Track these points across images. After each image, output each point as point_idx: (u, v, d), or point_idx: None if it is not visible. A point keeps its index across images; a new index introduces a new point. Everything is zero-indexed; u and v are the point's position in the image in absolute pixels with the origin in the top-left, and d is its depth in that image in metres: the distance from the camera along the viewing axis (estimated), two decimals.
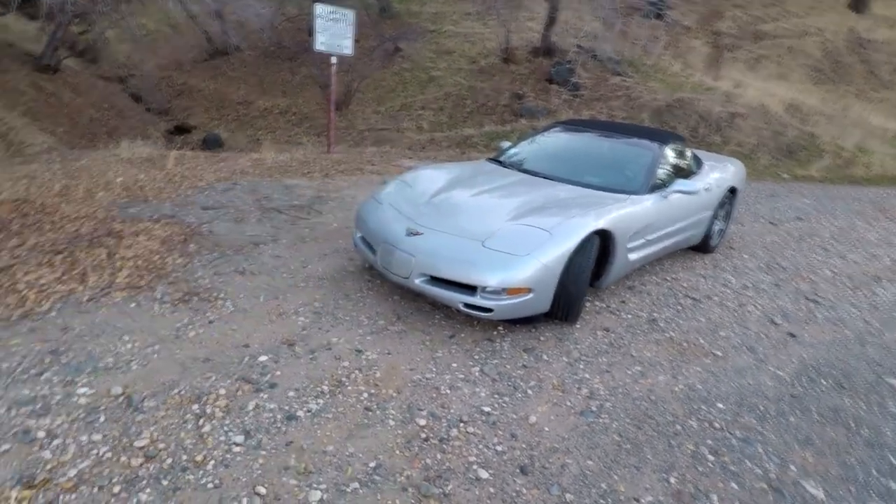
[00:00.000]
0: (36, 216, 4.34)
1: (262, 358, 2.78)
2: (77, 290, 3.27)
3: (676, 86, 12.57)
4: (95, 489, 1.92)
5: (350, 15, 7.36)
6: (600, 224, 3.26)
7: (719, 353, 3.27)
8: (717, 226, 5.00)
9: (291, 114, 13.32)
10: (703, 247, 4.92)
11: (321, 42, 7.15)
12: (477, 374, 2.81)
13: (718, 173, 4.93)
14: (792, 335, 3.62)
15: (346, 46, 7.42)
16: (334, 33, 7.22)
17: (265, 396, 2.49)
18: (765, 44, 15.89)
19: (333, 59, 7.46)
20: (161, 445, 2.15)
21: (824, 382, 3.07)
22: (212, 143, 11.57)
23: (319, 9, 7.08)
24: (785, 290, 4.40)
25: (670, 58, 14.28)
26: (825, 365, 3.27)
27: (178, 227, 4.37)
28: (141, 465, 2.05)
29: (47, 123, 10.29)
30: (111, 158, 6.59)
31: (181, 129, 13.17)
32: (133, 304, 3.18)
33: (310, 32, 15.49)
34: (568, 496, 2.07)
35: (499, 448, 2.29)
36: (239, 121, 13.57)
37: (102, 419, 2.27)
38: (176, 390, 2.48)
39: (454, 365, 2.87)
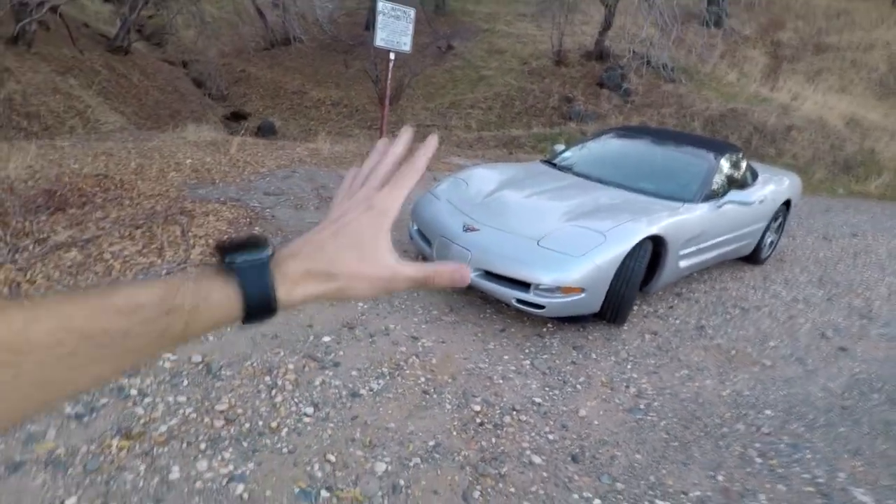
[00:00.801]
0: (116, 191, 4.66)
1: (326, 338, 2.96)
2: (156, 262, 3.53)
3: (731, 95, 12.31)
4: (185, 444, 2.13)
5: (411, 13, 7.52)
6: (653, 230, 3.32)
7: (768, 363, 3.29)
8: (770, 238, 4.96)
9: (343, 106, 13.64)
10: (753, 258, 4.89)
11: (381, 38, 7.33)
12: (528, 366, 2.93)
13: (774, 186, 4.89)
14: (843, 349, 3.59)
15: (405, 43, 7.59)
16: (394, 30, 7.39)
17: (330, 374, 2.67)
18: (827, 56, 15.36)
19: (392, 56, 7.64)
20: (239, 411, 2.35)
21: (876, 396, 3.06)
22: (266, 131, 11.97)
23: (382, 5, 7.26)
24: (837, 304, 4.35)
25: (726, 67, 13.97)
26: (877, 380, 3.25)
27: (244, 210, 4.62)
28: (223, 426, 2.25)
29: (118, 103, 10.86)
30: (179, 141, 6.96)
31: (237, 116, 13.66)
32: None
33: (366, 27, 15.84)
34: (618, 485, 2.16)
35: (550, 437, 2.41)
36: (293, 110, 13.97)
37: (186, 383, 2.48)
38: (249, 362, 2.68)
39: (506, 357, 2.99)
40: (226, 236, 4.08)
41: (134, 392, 2.37)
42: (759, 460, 2.43)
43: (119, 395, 2.34)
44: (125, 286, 0.43)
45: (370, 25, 14.25)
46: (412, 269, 0.53)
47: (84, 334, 0.38)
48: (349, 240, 0.51)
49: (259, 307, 0.46)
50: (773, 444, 2.56)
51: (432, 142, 0.56)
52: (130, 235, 3.84)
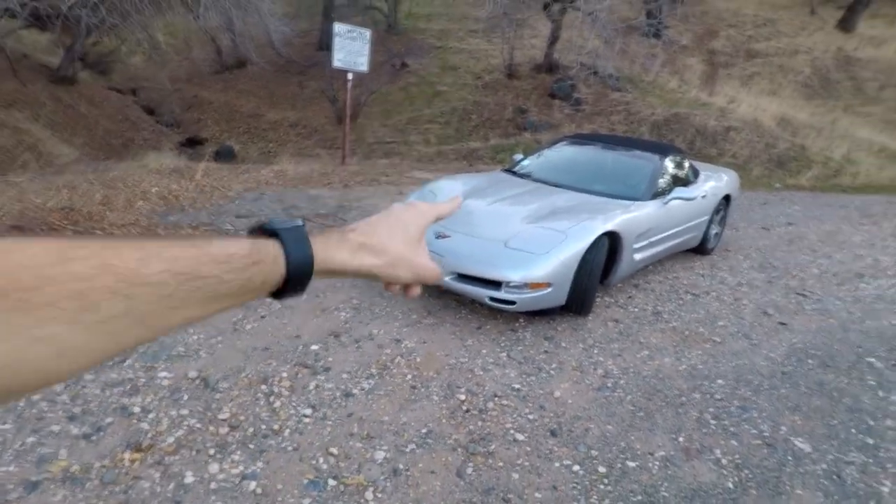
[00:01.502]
0: (85, 223, 4.70)
1: (314, 347, 3.14)
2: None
3: (674, 101, 13.06)
4: (194, 452, 2.27)
5: (367, 34, 7.80)
6: (609, 226, 3.65)
7: (718, 340, 3.65)
8: (714, 230, 5.40)
9: (301, 126, 13.75)
10: (701, 249, 5.32)
11: (339, 59, 7.57)
12: (505, 358, 3.18)
13: (714, 182, 5.34)
14: (783, 324, 4.00)
15: (362, 63, 7.85)
16: (351, 51, 7.64)
17: (322, 378, 2.85)
18: (757, 61, 16.45)
19: (350, 76, 7.88)
20: (242, 418, 2.50)
21: (811, 362, 3.44)
22: (225, 155, 11.96)
23: (338, 27, 7.52)
24: (776, 286, 4.79)
25: (668, 75, 14.80)
26: (812, 348, 3.64)
27: (218, 233, 4.73)
28: (228, 433, 2.40)
29: (68, 135, 10.67)
30: (141, 169, 6.96)
31: (193, 142, 13.57)
32: None
33: (320, 47, 16.03)
34: (593, 452, 2.43)
35: (531, 416, 2.65)
36: (250, 133, 13.98)
37: (186, 397, 2.62)
38: (244, 373, 2.84)
39: (484, 351, 3.24)
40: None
41: (137, 409, 2.49)
42: (713, 422, 2.74)
43: (123, 414, 2.46)
44: (219, 238, 0.47)
45: (324, 46, 14.48)
46: (435, 266, 0.65)
47: (185, 277, 0.41)
48: (398, 226, 0.62)
49: (299, 268, 0.51)
50: (725, 407, 2.88)
51: (458, 199, 0.75)
52: None
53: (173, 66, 16.57)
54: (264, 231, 0.52)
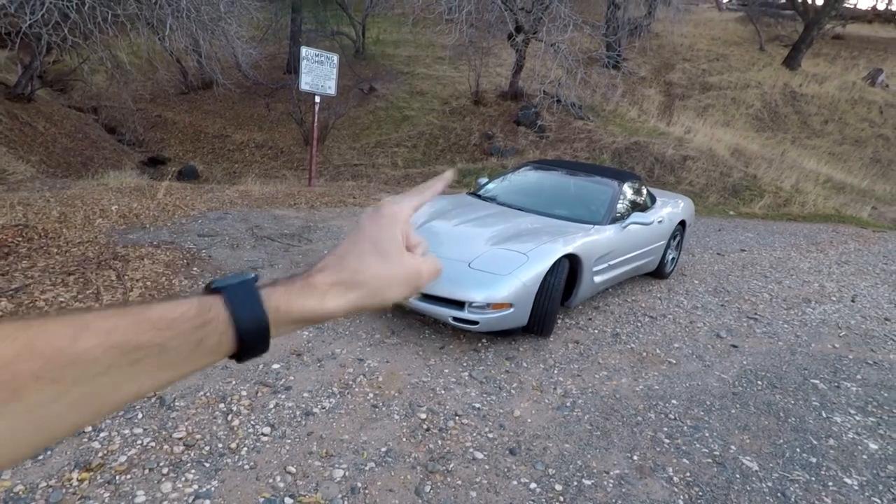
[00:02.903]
0: (41, 241, 4.56)
1: (275, 366, 3.11)
2: (94, 307, 3.52)
3: (633, 130, 13.56)
4: (147, 470, 2.22)
5: (334, 58, 7.89)
6: (569, 249, 3.76)
7: (673, 361, 3.77)
8: (671, 254, 5.60)
9: (267, 148, 13.68)
10: (658, 273, 5.50)
11: (306, 82, 7.62)
12: (466, 377, 3.21)
13: (670, 208, 5.56)
14: (734, 346, 4.16)
15: (330, 87, 7.92)
16: (319, 74, 7.71)
17: (283, 397, 2.82)
18: (711, 94, 17.30)
19: (317, 99, 7.93)
20: (198, 436, 2.45)
21: (760, 383, 3.59)
22: (188, 175, 11.78)
23: (305, 51, 7.59)
24: (729, 309, 4.98)
25: (627, 104, 15.38)
26: (761, 369, 3.80)
27: (179, 251, 4.66)
28: (183, 451, 2.35)
29: (24, 152, 10.35)
30: (100, 188, 6.81)
31: (155, 161, 13.33)
32: None
33: (287, 70, 16.08)
34: (550, 470, 2.47)
35: (490, 435, 2.68)
36: (215, 154, 13.82)
37: (140, 416, 2.56)
38: (202, 392, 2.79)
39: (446, 371, 3.26)
40: (163, 278, 4.13)
41: (88, 428, 2.42)
42: (667, 441, 2.82)
43: (72, 433, 2.38)
44: (160, 302, 0.43)
45: (292, 69, 14.54)
46: (431, 261, 0.57)
47: (123, 349, 0.38)
48: (368, 245, 0.53)
49: (251, 327, 0.45)
50: (679, 426, 2.97)
51: (448, 173, 0.63)
52: (63, 282, 3.80)
53: (137, 86, 16.33)
54: (213, 290, 0.46)
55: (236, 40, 10.83)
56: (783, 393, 3.50)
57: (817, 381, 3.73)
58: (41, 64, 12.51)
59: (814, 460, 2.81)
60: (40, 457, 2.23)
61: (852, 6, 26.07)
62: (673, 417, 3.05)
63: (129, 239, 4.83)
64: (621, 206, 4.73)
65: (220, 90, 14.76)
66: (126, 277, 4.01)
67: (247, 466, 2.30)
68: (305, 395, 2.85)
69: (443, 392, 3.02)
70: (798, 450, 2.89)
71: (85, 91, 15.86)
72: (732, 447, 2.83)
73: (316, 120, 8.21)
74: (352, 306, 0.52)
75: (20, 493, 2.03)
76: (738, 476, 2.61)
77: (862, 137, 16.37)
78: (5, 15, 9.76)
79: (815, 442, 2.99)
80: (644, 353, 3.85)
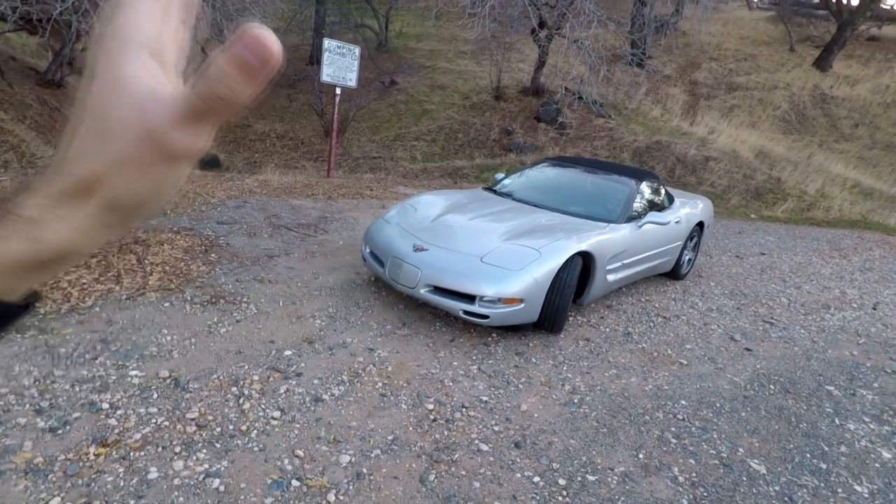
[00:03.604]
0: None
1: (287, 352, 3.16)
2: (115, 289, 3.63)
3: (656, 129, 13.39)
4: (160, 448, 2.29)
5: (356, 50, 7.93)
6: (582, 246, 3.75)
7: (684, 362, 3.74)
8: (687, 255, 5.55)
9: (288, 139, 13.81)
10: (674, 274, 5.45)
11: (327, 74, 7.67)
12: (475, 371, 3.23)
13: (688, 209, 5.50)
14: (748, 350, 4.11)
15: (351, 79, 7.96)
16: (340, 66, 7.76)
17: (293, 383, 2.88)
18: (737, 94, 16.97)
19: (338, 91, 7.99)
20: (210, 417, 2.52)
21: (773, 387, 3.55)
22: (210, 164, 11.95)
23: (328, 43, 7.64)
24: (745, 313, 4.92)
25: (650, 103, 15.19)
26: (775, 374, 3.75)
27: (198, 238, 4.75)
28: (195, 431, 2.42)
29: (53, 137, 10.59)
30: None
31: None
32: (167, 304, 3.55)
33: (310, 62, 16.18)
34: (555, 465, 2.48)
35: (496, 428, 2.70)
36: (236, 143, 13.99)
37: (155, 396, 2.63)
38: (215, 375, 2.85)
39: (455, 363, 3.29)
40: (182, 263, 4.22)
41: (106, 406, 2.50)
42: (674, 441, 2.82)
43: (91, 410, 2.46)
44: None
45: (315, 61, 14.64)
46: (189, 90, 0.32)
47: None
48: (88, 118, 0.32)
49: None
50: (687, 427, 2.96)
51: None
52: (86, 264, 3.90)
53: None
54: None
55: None
56: (796, 398, 3.46)
57: (832, 388, 3.68)
58: (71, 50, 12.77)
59: (824, 466, 2.78)
60: (59, 431, 2.31)
61: (889, 7, 25.31)
62: (681, 418, 3.04)
63: (150, 225, 4.94)
64: (638, 205, 4.69)
65: None
66: (146, 261, 4.11)
67: (256, 448, 2.35)
68: (315, 381, 2.90)
69: (451, 384, 3.05)
70: (808, 455, 2.86)
71: None
72: (740, 450, 2.82)
73: (336, 111, 8.26)
74: (91, 225, 0.34)
75: (40, 464, 2.11)
76: (744, 478, 2.59)
77: (894, 142, 15.92)
78: (37, 2, 9.98)
79: (826, 448, 2.95)
80: (655, 353, 3.83)
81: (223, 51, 0.30)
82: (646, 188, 4.98)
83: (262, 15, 10.84)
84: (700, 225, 5.68)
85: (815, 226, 10.26)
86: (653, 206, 4.92)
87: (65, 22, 10.73)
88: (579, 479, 2.43)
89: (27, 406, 2.42)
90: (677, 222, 5.06)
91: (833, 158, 14.20)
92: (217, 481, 2.13)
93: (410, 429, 2.62)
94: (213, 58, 0.30)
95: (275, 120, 14.86)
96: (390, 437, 2.53)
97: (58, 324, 3.12)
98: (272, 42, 0.30)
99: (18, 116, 10.35)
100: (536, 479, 2.38)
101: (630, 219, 4.47)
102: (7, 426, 2.28)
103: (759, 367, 3.84)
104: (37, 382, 2.59)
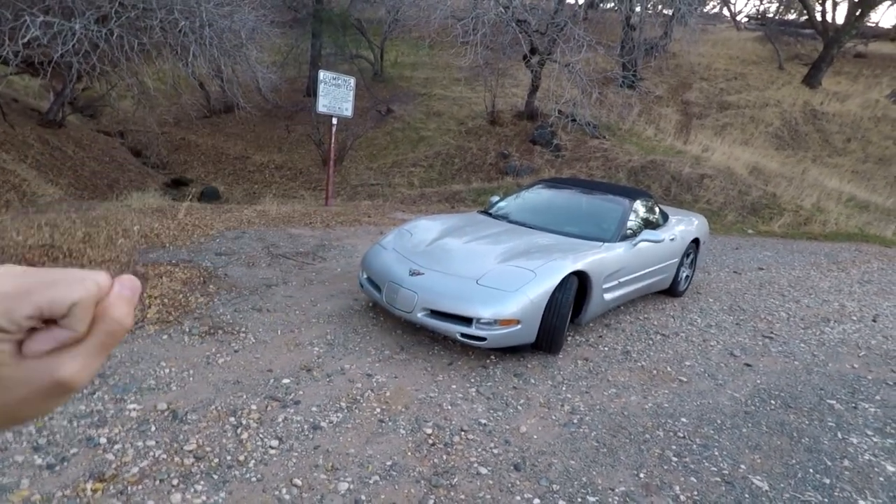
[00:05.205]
0: (65, 260, 4.73)
1: (285, 381, 3.16)
2: None
3: (650, 149, 13.54)
4: (157, 482, 2.28)
5: (350, 81, 8.09)
6: (578, 266, 3.77)
7: (684, 379, 3.73)
8: (684, 272, 5.57)
9: (287, 169, 13.96)
10: (672, 291, 5.46)
11: (323, 105, 7.82)
12: (474, 393, 3.23)
13: (683, 226, 5.54)
14: (748, 365, 4.10)
15: (347, 109, 8.11)
16: (336, 97, 7.91)
17: (291, 411, 2.87)
18: (729, 113, 17.21)
19: (334, 121, 8.12)
20: (207, 449, 2.51)
21: (773, 402, 3.53)
22: (210, 196, 12.07)
23: (323, 74, 7.80)
24: (744, 328, 4.92)
25: (644, 123, 15.39)
26: (775, 389, 3.74)
27: (197, 270, 4.78)
28: (192, 463, 2.41)
29: (53, 175, 10.74)
30: (124, 209, 7.03)
31: (178, 182, 13.68)
32: (165, 336, 3.56)
33: (307, 93, 16.49)
34: (555, 486, 2.46)
35: (495, 451, 2.69)
36: (236, 175, 14.15)
37: (153, 429, 2.63)
38: (213, 406, 2.85)
39: (453, 386, 3.28)
40: (180, 295, 4.24)
41: (103, 440, 2.50)
42: (674, 459, 2.80)
43: (88, 445, 2.46)
44: None
45: (312, 92, 14.93)
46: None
47: None
48: None
49: None
50: (688, 445, 2.94)
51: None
52: None
53: (162, 111, 16.85)
54: None
55: (257, 65, 11.17)
56: (797, 413, 3.44)
57: (834, 402, 3.66)
58: (72, 91, 13.03)
59: (827, 481, 2.76)
60: (57, 467, 2.30)
61: (874, 25, 25.82)
62: (682, 436, 3.02)
63: (149, 258, 4.98)
64: (632, 223, 4.73)
65: (242, 113, 15.17)
66: (145, 295, 4.13)
67: (254, 479, 2.34)
68: (314, 409, 2.90)
69: (449, 407, 3.04)
70: (811, 470, 2.83)
71: (113, 116, 16.43)
72: (742, 466, 2.79)
73: (333, 141, 8.39)
74: None
75: (37, 502, 2.10)
76: (747, 496, 2.57)
77: (886, 156, 16.08)
78: (39, 45, 10.23)
79: (829, 463, 2.93)
80: (654, 371, 3.82)
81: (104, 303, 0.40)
82: (640, 207, 5.03)
83: (258, 49, 11.10)
84: (696, 242, 5.71)
85: (812, 240, 10.30)
86: (647, 225, 4.96)
87: (66, 64, 10.99)
88: (580, 500, 2.41)
89: (24, 444, 2.42)
90: (672, 240, 5.09)
91: (827, 173, 14.32)
92: None
93: (409, 454, 2.61)
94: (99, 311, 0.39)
95: (273, 151, 15.06)
96: (389, 463, 2.52)
97: None
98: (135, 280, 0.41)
99: (20, 156, 10.51)
100: (536, 501, 2.36)
101: (625, 237, 4.51)
102: (4, 464, 2.28)
103: (760, 383, 3.83)
104: (34, 420, 2.59)
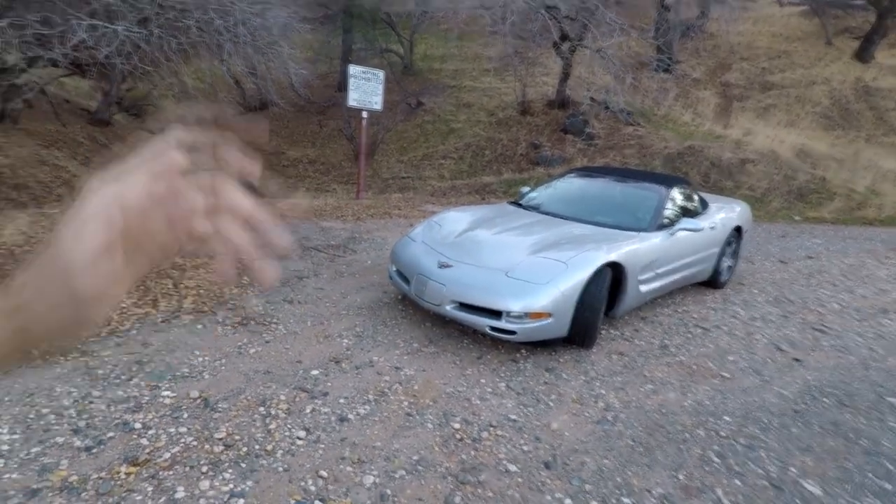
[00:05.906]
0: None
1: (314, 372, 3.16)
2: (151, 313, 3.72)
3: (687, 134, 13.08)
4: (188, 468, 2.29)
5: (380, 75, 8.06)
6: (612, 257, 3.63)
7: (727, 375, 3.55)
8: (726, 262, 5.32)
9: (319, 163, 14.09)
10: (713, 282, 5.23)
11: (353, 99, 7.82)
12: (503, 388, 3.15)
13: (724, 213, 5.30)
14: (797, 360, 3.88)
15: (376, 103, 8.08)
16: (366, 91, 7.90)
17: (319, 402, 2.86)
18: (772, 93, 16.45)
19: (364, 114, 8.11)
20: (237, 437, 2.52)
21: (826, 400, 3.32)
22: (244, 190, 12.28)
23: (353, 69, 7.79)
24: (792, 321, 4.67)
25: (681, 108, 14.88)
26: (828, 386, 3.52)
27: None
28: (222, 451, 2.42)
29: (101, 171, 11.13)
30: None
31: None
32: (200, 326, 3.61)
33: (338, 88, 16.58)
34: (587, 486, 2.37)
35: (525, 448, 2.61)
36: (270, 169, 14.36)
37: (186, 416, 2.65)
38: (243, 395, 2.87)
39: (483, 381, 3.21)
40: (215, 286, 4.30)
41: (138, 426, 2.54)
42: (717, 460, 2.65)
43: (124, 429, 2.50)
44: None
45: (343, 87, 15.00)
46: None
47: None
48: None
49: None
50: (731, 445, 2.79)
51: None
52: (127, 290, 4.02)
53: (200, 109, 17.25)
54: None
55: (290, 62, 11.27)
56: (853, 412, 3.23)
57: (894, 400, 3.42)
58: (118, 91, 13.49)
59: (889, 487, 2.56)
60: (94, 450, 2.35)
61: None
62: (725, 435, 2.87)
63: (186, 250, 5.06)
64: (669, 211, 4.54)
65: (276, 109, 15.39)
66: (181, 286, 4.21)
67: (281, 469, 2.33)
68: (342, 401, 2.88)
69: (478, 402, 2.97)
70: (871, 475, 2.64)
71: (156, 115, 16.94)
72: (792, 469, 2.63)
73: (364, 135, 8.39)
74: None
75: (74, 482, 2.15)
76: (797, 501, 2.41)
77: None
78: (86, 48, 10.59)
79: (890, 467, 2.73)
80: (694, 367, 3.65)
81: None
82: (677, 194, 4.83)
83: (291, 46, 11.19)
84: (738, 230, 5.46)
85: (866, 225, 9.76)
86: (685, 213, 4.76)
87: (110, 65, 11.37)
88: (614, 501, 2.31)
89: (65, 426, 2.49)
90: (712, 228, 4.87)
91: (883, 153, 13.50)
92: (242, 501, 2.11)
93: (436, 449, 2.55)
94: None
95: (306, 146, 15.23)
96: (415, 458, 2.47)
97: (98, 346, 3.21)
98: None
99: (71, 153, 10.95)
100: (568, 501, 2.28)
101: (661, 226, 4.33)
102: (46, 445, 2.35)
103: (811, 379, 3.62)
104: (76, 403, 2.66)
